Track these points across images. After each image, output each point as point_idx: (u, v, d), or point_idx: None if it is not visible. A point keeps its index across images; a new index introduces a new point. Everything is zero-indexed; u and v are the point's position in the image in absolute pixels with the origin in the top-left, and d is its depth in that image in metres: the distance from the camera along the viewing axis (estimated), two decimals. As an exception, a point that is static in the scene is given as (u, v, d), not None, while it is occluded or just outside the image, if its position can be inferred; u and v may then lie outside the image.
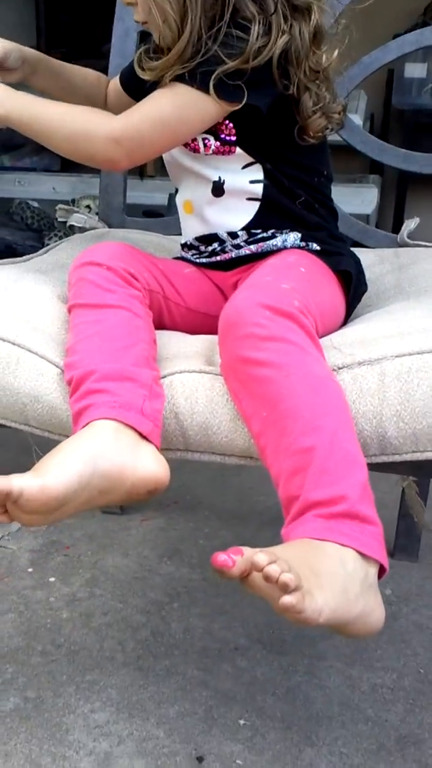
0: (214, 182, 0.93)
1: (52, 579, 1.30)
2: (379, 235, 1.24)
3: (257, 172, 0.92)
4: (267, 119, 0.87)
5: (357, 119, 2.80)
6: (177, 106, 0.85)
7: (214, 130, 0.90)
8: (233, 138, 0.90)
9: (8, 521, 0.68)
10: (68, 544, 1.40)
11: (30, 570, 1.32)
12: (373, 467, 0.74)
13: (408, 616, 1.22)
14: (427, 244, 1.18)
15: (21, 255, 1.13)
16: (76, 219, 1.22)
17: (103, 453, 0.70)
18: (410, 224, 1.19)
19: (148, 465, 0.72)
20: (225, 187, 0.93)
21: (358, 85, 1.26)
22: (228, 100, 0.84)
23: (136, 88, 0.99)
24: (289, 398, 0.69)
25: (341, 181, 2.86)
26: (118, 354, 0.77)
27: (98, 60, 1.37)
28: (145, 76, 0.89)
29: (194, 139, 0.91)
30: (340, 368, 0.76)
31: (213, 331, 0.80)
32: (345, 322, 0.93)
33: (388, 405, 0.73)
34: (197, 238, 0.99)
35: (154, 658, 1.13)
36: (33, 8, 4.24)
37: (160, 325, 0.91)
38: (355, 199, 2.84)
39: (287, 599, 0.57)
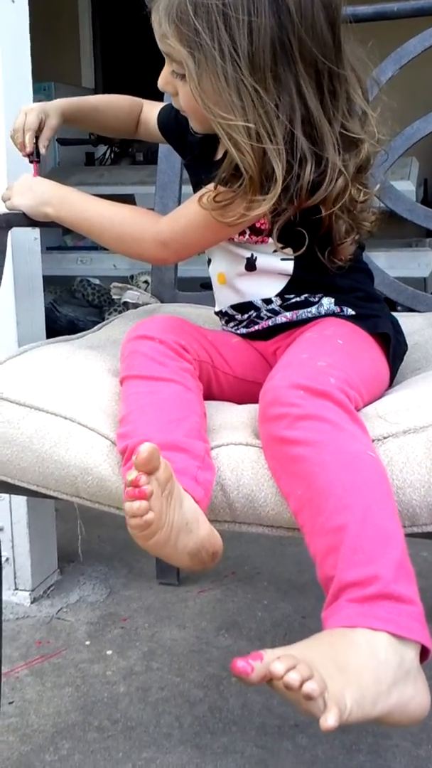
0: (248, 258, 0.95)
1: (109, 652, 1.29)
2: (429, 299, 1.24)
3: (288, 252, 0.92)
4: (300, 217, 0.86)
5: (409, 185, 2.82)
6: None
7: None
8: (266, 227, 0.91)
9: (148, 495, 0.64)
10: (125, 616, 1.39)
11: (87, 643, 1.32)
12: (423, 536, 0.73)
13: None
14: None
15: (83, 330, 1.17)
16: (130, 296, 1.26)
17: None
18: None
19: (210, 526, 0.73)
20: (257, 263, 0.95)
21: (405, 154, 1.28)
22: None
23: (172, 134, 1.07)
24: (322, 476, 0.69)
25: (397, 245, 2.87)
26: (171, 426, 0.78)
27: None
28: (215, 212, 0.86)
29: None
30: (385, 438, 0.75)
31: None
32: (391, 382, 0.92)
33: (436, 472, 0.72)
34: (233, 306, 1.00)
35: (211, 735, 1.10)
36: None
37: (209, 394, 0.92)
38: (412, 263, 2.84)
39: (309, 707, 0.56)
